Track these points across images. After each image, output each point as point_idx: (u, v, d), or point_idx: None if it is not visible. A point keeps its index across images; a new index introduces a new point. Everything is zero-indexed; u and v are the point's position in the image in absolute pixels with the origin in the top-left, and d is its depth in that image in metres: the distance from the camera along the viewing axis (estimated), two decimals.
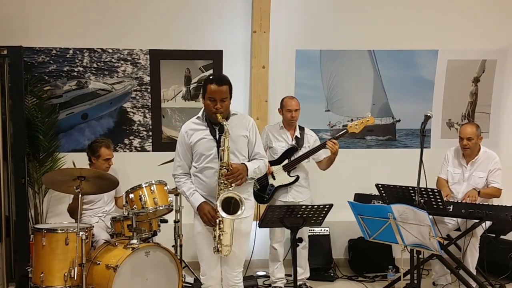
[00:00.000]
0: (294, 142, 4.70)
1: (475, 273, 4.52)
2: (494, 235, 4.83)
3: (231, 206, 3.24)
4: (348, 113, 5.66)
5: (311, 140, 4.75)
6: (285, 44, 5.47)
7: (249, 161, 3.48)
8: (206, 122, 3.41)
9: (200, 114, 3.46)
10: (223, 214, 3.20)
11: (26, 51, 5.10)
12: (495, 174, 4.59)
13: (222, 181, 3.28)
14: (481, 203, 4.38)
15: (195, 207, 3.40)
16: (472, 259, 4.50)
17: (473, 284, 4.49)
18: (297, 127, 4.76)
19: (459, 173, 4.71)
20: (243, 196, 3.29)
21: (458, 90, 5.74)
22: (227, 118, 3.36)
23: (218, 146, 3.33)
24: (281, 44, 5.45)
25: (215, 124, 3.37)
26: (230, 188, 3.28)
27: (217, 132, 3.36)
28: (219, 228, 3.25)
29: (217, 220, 3.26)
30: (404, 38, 5.60)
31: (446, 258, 4.54)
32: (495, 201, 4.62)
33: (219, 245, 3.26)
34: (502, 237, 4.94)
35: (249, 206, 3.48)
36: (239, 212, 3.22)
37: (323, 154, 4.71)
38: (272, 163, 4.64)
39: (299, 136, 4.72)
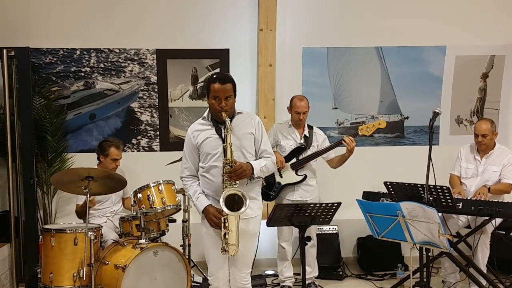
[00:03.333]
0: (303, 141, 4.68)
1: (485, 271, 4.48)
2: (504, 232, 4.80)
3: (235, 203, 3.22)
4: (356, 111, 5.63)
5: (320, 139, 4.73)
6: (292, 42, 5.46)
7: (256, 159, 3.46)
8: (211, 121, 3.41)
9: (205, 115, 3.45)
10: (226, 210, 3.18)
11: (33, 52, 5.12)
12: (508, 169, 4.55)
13: (226, 178, 3.27)
14: (491, 200, 4.34)
15: (200, 211, 3.40)
16: (482, 256, 4.47)
17: (483, 282, 4.46)
18: (306, 125, 4.74)
19: (473, 168, 4.67)
20: (250, 195, 3.27)
21: (467, 86, 5.70)
22: (232, 117, 3.36)
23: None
24: (287, 42, 5.44)
25: (221, 123, 3.36)
26: (235, 186, 3.26)
27: (223, 131, 3.34)
28: (225, 227, 3.23)
29: (222, 219, 3.24)
30: (411, 34, 5.57)
31: (456, 255, 4.51)
32: (505, 198, 4.58)
33: (225, 245, 3.24)
34: None
35: (257, 207, 3.46)
36: (243, 209, 3.19)
37: (333, 153, 4.70)
38: None
39: (307, 135, 4.70)
